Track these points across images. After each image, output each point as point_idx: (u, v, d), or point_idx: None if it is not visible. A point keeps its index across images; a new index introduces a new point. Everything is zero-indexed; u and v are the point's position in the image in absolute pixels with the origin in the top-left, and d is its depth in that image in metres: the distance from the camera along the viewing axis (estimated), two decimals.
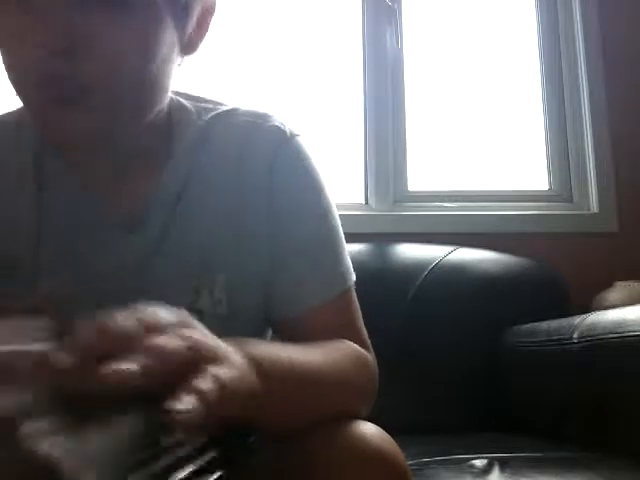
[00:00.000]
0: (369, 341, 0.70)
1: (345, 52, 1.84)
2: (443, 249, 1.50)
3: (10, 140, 0.67)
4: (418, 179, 1.78)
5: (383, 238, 1.59)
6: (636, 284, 1.51)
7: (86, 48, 0.53)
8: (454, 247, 1.51)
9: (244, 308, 0.67)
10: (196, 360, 0.39)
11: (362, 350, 0.66)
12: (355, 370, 0.63)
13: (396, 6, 1.82)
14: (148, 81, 0.58)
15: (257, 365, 0.47)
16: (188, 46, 0.63)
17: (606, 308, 1.19)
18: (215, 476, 0.37)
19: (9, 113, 0.70)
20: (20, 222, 0.64)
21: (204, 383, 0.38)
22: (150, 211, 0.65)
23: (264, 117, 0.70)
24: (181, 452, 0.37)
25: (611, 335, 1.00)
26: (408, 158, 1.78)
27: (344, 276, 0.69)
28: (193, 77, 1.69)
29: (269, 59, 1.79)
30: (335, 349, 0.62)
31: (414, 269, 1.45)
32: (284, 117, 0.71)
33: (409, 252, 1.53)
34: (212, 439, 0.37)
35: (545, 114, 1.85)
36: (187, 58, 0.64)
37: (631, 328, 0.96)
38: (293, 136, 0.69)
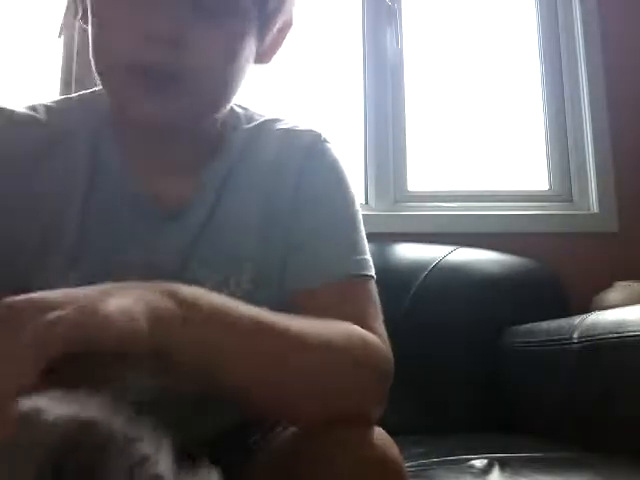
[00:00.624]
0: (383, 331, 0.66)
1: (345, 52, 1.84)
2: (443, 249, 1.50)
3: (70, 124, 0.69)
4: (418, 179, 1.78)
5: (383, 238, 1.59)
6: (636, 284, 1.51)
7: (187, 43, 0.58)
8: (454, 247, 1.51)
9: (268, 293, 0.67)
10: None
11: (366, 334, 0.61)
12: (353, 345, 0.58)
13: (396, 6, 1.82)
14: (228, 81, 0.63)
15: (178, 295, 0.47)
16: (263, 56, 0.69)
17: (606, 308, 1.19)
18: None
19: (65, 99, 0.74)
20: (70, 201, 0.66)
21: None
22: (189, 208, 0.68)
23: (302, 124, 0.78)
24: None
25: (611, 335, 1.00)
26: (408, 158, 1.78)
27: (358, 264, 0.70)
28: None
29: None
30: (326, 322, 0.59)
31: (414, 269, 1.45)
32: (320, 127, 0.78)
33: (409, 252, 1.53)
34: (211, 441, 0.37)
35: (545, 114, 1.85)
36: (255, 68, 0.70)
37: (631, 328, 0.96)
38: (326, 140, 0.76)
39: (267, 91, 1.75)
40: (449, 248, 1.51)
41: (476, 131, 1.84)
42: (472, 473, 0.89)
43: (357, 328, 0.60)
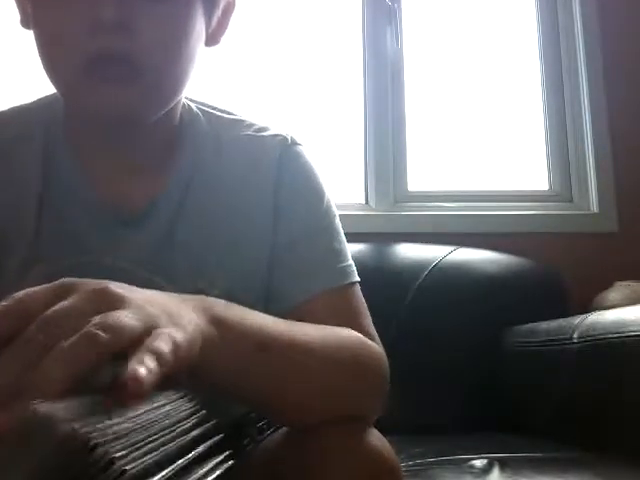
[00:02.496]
0: (377, 336, 0.67)
1: (345, 52, 1.84)
2: (443, 249, 1.50)
3: (23, 127, 0.69)
4: (418, 179, 1.78)
5: (383, 238, 1.59)
6: (636, 284, 1.51)
7: (135, 27, 0.57)
8: (454, 247, 1.51)
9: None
10: (147, 328, 0.38)
11: (365, 338, 0.63)
12: (357, 352, 0.61)
13: (396, 6, 1.82)
14: (181, 62, 0.62)
15: (215, 317, 0.47)
16: (211, 37, 0.67)
17: (606, 308, 1.19)
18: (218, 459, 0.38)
19: (19, 106, 0.72)
20: (25, 205, 0.66)
21: (160, 343, 0.37)
22: (154, 209, 0.67)
23: (268, 127, 0.74)
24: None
25: (611, 335, 1.00)
26: (408, 158, 1.78)
27: (343, 271, 0.69)
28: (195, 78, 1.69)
29: (269, 59, 1.79)
30: (333, 330, 0.61)
31: (414, 269, 1.45)
32: (287, 129, 0.75)
33: (409, 252, 1.53)
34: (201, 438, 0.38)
35: (545, 114, 1.85)
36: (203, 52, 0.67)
37: (631, 328, 0.97)
38: (295, 143, 0.73)
39: (267, 91, 1.76)
40: (449, 248, 1.51)
41: (476, 131, 1.84)
42: (472, 473, 0.89)
43: (359, 336, 0.62)
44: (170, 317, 0.41)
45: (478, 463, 0.92)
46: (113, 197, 0.66)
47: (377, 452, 0.53)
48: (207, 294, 0.62)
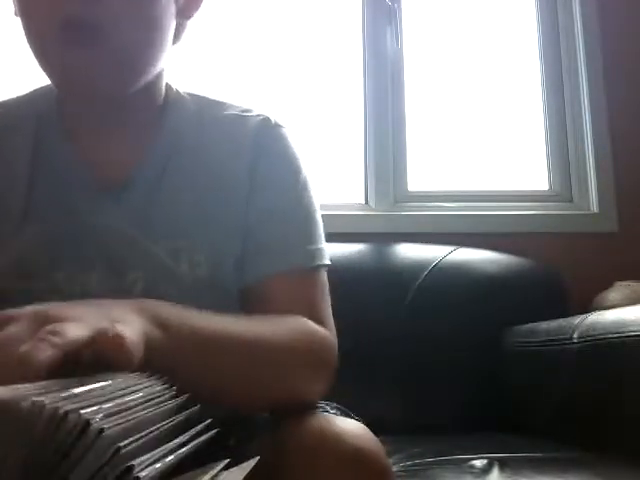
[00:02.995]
0: (332, 323, 0.70)
1: (345, 52, 1.84)
2: (443, 249, 1.50)
3: (12, 119, 0.74)
4: (418, 179, 1.78)
5: (383, 238, 1.59)
6: (636, 284, 1.51)
7: None
8: (454, 247, 1.51)
9: (224, 275, 0.69)
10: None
11: (317, 327, 0.66)
12: (301, 345, 0.63)
13: (396, 6, 1.82)
14: (148, 31, 0.64)
15: (159, 319, 0.50)
16: (182, 12, 0.69)
17: (606, 308, 1.19)
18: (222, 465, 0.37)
19: (12, 98, 0.77)
20: (15, 173, 0.70)
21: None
22: (135, 178, 0.70)
23: (252, 109, 0.76)
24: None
25: (611, 335, 1.00)
26: (408, 158, 1.78)
27: (311, 254, 0.70)
28: (194, 77, 1.70)
29: (269, 59, 1.79)
30: (280, 321, 0.63)
31: (414, 269, 1.45)
32: (272, 111, 0.77)
33: (409, 252, 1.53)
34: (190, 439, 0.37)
35: (545, 114, 1.85)
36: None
37: (631, 328, 0.97)
38: (278, 124, 0.75)
39: (267, 90, 1.76)
40: (449, 248, 1.51)
41: (476, 131, 1.84)
42: (472, 473, 0.89)
43: (308, 324, 0.65)
44: (114, 322, 0.43)
45: (478, 463, 0.92)
46: (99, 168, 0.70)
47: (368, 450, 0.53)
48: (187, 255, 0.68)
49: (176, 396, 0.40)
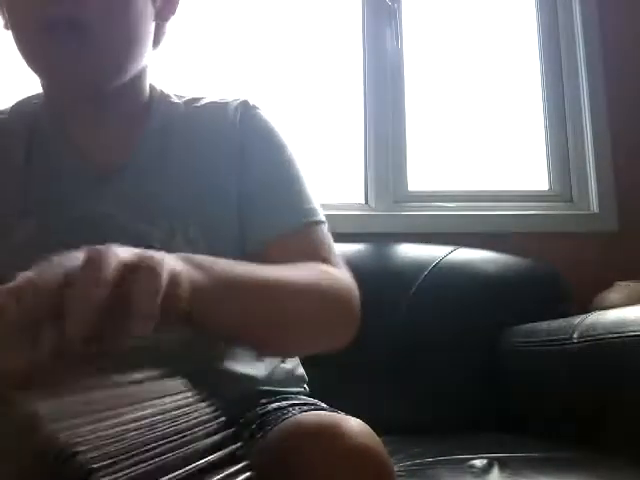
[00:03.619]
0: (343, 265, 0.73)
1: (345, 52, 1.84)
2: (443, 249, 1.50)
3: (11, 112, 0.79)
4: (418, 179, 1.78)
5: (383, 238, 1.59)
6: (636, 284, 1.51)
7: None
8: (454, 247, 1.51)
9: (222, 249, 0.68)
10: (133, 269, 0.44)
11: (333, 269, 0.69)
12: (326, 284, 0.66)
13: (396, 6, 1.82)
14: (129, 29, 0.68)
15: (196, 262, 0.52)
16: (162, 10, 0.74)
17: (606, 308, 1.19)
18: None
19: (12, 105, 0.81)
20: (11, 172, 0.74)
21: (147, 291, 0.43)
22: (128, 164, 0.74)
23: (232, 98, 0.81)
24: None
25: (611, 335, 1.00)
26: (408, 158, 1.78)
27: (311, 211, 0.75)
28: (192, 76, 1.69)
29: (269, 59, 1.79)
30: (302, 265, 0.66)
31: (414, 269, 1.45)
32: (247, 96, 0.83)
33: (409, 252, 1.52)
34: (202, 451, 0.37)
35: (545, 114, 1.85)
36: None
37: (631, 328, 0.96)
38: (256, 106, 0.81)
39: (267, 90, 1.75)
40: (449, 248, 1.51)
41: (476, 131, 1.84)
42: (472, 473, 0.89)
43: (327, 268, 0.68)
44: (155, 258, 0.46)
45: (478, 463, 0.92)
46: (92, 158, 0.74)
47: (369, 449, 0.53)
48: (183, 232, 0.71)
49: (217, 417, 0.39)
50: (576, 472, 0.88)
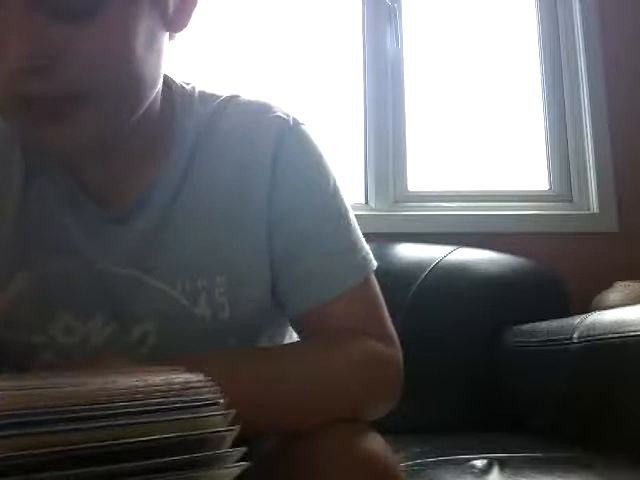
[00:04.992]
0: (393, 332, 0.67)
1: (345, 52, 1.84)
2: (443, 249, 1.50)
3: (2, 145, 0.65)
4: (418, 179, 1.78)
5: (383, 238, 1.59)
6: (636, 284, 1.51)
7: (64, 60, 0.51)
8: (454, 247, 1.51)
9: (246, 309, 0.64)
10: None
11: (380, 346, 0.63)
12: (369, 365, 0.61)
13: (396, 6, 1.82)
14: (134, 73, 0.55)
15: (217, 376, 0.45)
16: (174, 22, 0.60)
17: (606, 308, 1.19)
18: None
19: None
20: (5, 210, 0.63)
21: None
22: (142, 206, 0.63)
23: (267, 106, 0.68)
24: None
25: (611, 335, 1.00)
26: (408, 158, 1.78)
27: (360, 265, 0.66)
28: (195, 76, 1.69)
29: (269, 59, 1.79)
30: (339, 348, 0.60)
31: (414, 269, 1.45)
32: (286, 107, 0.69)
33: (409, 252, 1.52)
34: None
35: (545, 114, 1.85)
36: (180, 37, 0.62)
37: (631, 328, 0.96)
38: (297, 124, 0.68)
39: (267, 90, 1.76)
40: (449, 248, 1.51)
41: (476, 131, 1.84)
42: (472, 473, 0.89)
43: (370, 347, 0.62)
44: None
45: (478, 463, 0.92)
46: (100, 200, 0.63)
47: (374, 454, 0.53)
48: (207, 295, 0.62)
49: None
50: (576, 472, 0.88)
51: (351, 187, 1.76)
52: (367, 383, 0.61)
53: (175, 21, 0.60)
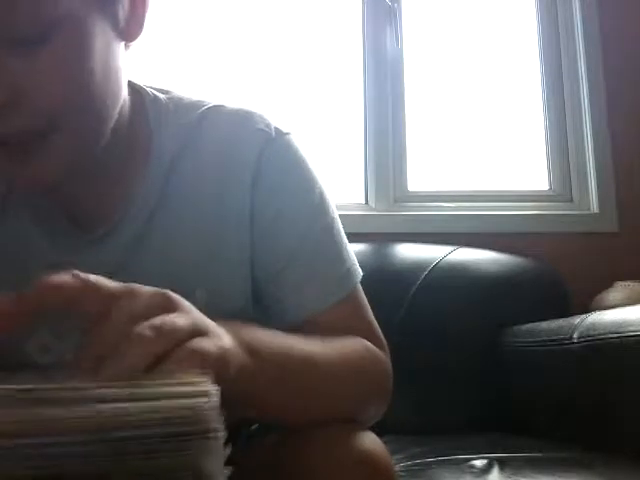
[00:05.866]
0: (383, 339, 0.67)
1: (345, 52, 1.84)
2: (443, 249, 1.50)
3: None
4: (418, 179, 1.78)
5: (383, 238, 1.59)
6: (636, 284, 1.51)
7: (24, 93, 0.50)
8: (454, 247, 1.51)
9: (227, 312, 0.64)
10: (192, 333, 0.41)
11: (373, 347, 0.64)
12: (364, 364, 0.62)
13: (396, 6, 1.82)
14: (97, 96, 0.54)
15: (246, 343, 0.48)
16: (127, 32, 0.58)
17: (606, 308, 1.19)
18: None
19: None
20: None
21: (205, 344, 0.41)
22: (121, 222, 0.62)
23: (248, 118, 0.66)
24: None
25: (611, 335, 1.00)
26: (408, 158, 1.78)
27: (347, 276, 0.66)
28: (192, 77, 1.70)
29: (269, 59, 1.79)
30: (342, 342, 0.61)
31: (414, 269, 1.45)
32: (270, 116, 0.67)
33: (409, 252, 1.52)
34: None
35: (545, 114, 1.85)
36: (138, 40, 0.60)
37: (631, 328, 0.96)
38: (279, 136, 0.65)
39: (266, 92, 1.75)
40: (449, 248, 1.51)
41: (476, 131, 1.84)
42: (472, 473, 0.89)
43: (366, 343, 0.63)
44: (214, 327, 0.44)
45: (478, 463, 0.92)
46: (75, 214, 0.63)
47: (370, 453, 0.53)
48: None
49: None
50: (576, 472, 0.88)
51: (351, 187, 1.76)
52: (362, 379, 0.62)
53: (128, 31, 0.58)
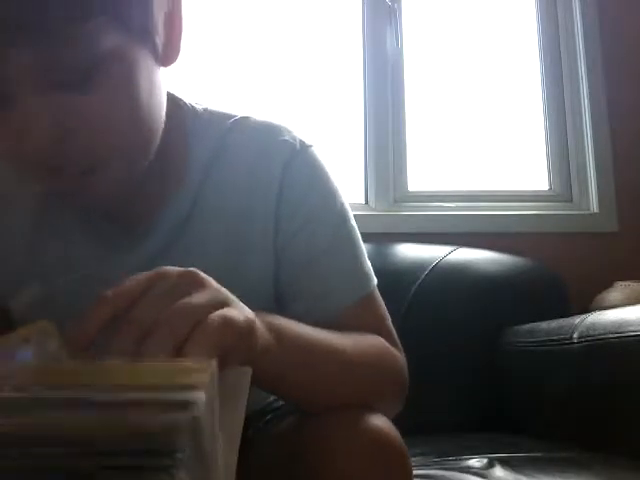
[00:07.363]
0: (397, 338, 0.70)
1: (345, 52, 1.84)
2: (443, 249, 1.50)
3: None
4: (418, 179, 1.78)
5: (383, 238, 1.59)
6: (636, 284, 1.51)
7: (78, 128, 0.52)
8: (454, 247, 1.51)
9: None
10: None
11: (389, 346, 0.67)
12: (382, 360, 0.64)
13: (396, 6, 1.82)
14: (146, 126, 0.57)
15: (271, 325, 0.51)
16: (165, 57, 0.59)
17: (606, 308, 1.19)
18: None
19: None
20: (14, 231, 0.66)
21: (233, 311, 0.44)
22: (156, 227, 0.65)
23: (275, 131, 0.68)
24: None
25: (611, 335, 1.00)
26: (408, 158, 1.78)
27: (366, 279, 0.70)
28: (192, 80, 1.69)
29: (269, 59, 1.79)
30: (363, 338, 0.63)
31: (414, 269, 1.45)
32: (295, 128, 0.70)
33: (409, 252, 1.52)
34: None
35: (545, 114, 1.85)
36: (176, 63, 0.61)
37: (631, 328, 0.96)
38: (304, 148, 0.68)
39: (267, 92, 1.76)
40: (449, 248, 1.51)
41: (476, 131, 1.84)
42: (472, 473, 0.89)
43: (384, 344, 0.66)
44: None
45: (478, 463, 0.92)
46: (112, 216, 0.65)
47: (385, 435, 0.53)
48: None
49: None
50: (576, 472, 0.88)
51: (351, 187, 1.76)
52: (379, 374, 0.64)
53: (166, 56, 0.59)
